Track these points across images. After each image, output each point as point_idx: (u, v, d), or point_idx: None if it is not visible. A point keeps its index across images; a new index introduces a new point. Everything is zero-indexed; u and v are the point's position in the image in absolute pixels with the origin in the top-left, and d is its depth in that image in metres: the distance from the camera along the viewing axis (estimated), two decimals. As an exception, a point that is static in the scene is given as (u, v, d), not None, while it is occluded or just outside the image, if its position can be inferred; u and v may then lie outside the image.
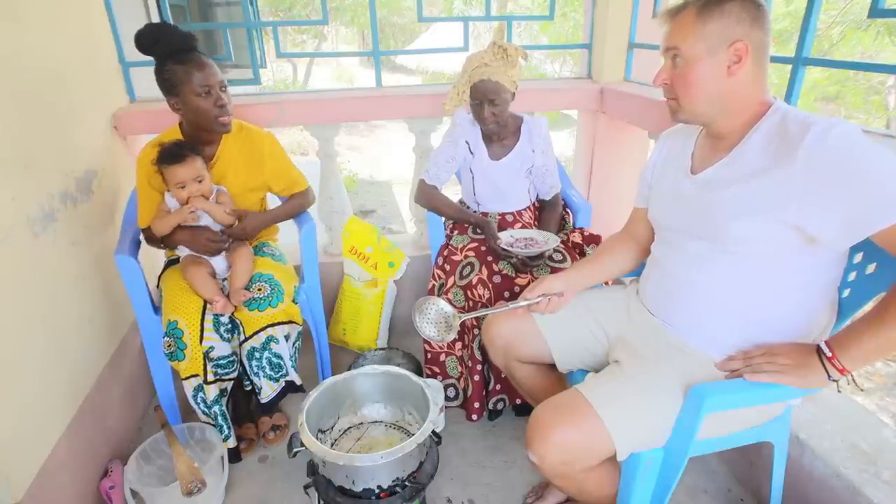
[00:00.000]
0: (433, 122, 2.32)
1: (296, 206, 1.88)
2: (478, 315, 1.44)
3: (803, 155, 0.96)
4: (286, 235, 2.07)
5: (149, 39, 1.55)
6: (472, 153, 1.89)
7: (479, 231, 1.85)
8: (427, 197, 1.93)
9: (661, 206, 1.27)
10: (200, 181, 1.62)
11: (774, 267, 1.07)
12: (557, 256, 1.75)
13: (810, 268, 1.07)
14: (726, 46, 1.02)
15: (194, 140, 1.70)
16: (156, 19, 4.28)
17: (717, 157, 1.13)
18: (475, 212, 1.97)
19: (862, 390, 1.15)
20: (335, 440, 1.56)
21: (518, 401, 1.82)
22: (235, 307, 1.62)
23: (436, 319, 1.39)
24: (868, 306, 1.12)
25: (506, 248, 1.68)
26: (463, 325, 1.74)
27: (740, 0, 1.02)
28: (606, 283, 1.58)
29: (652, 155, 1.36)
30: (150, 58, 1.58)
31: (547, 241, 1.73)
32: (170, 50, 1.56)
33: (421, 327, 1.38)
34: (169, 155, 1.59)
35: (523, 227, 1.90)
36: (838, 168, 0.94)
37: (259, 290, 1.64)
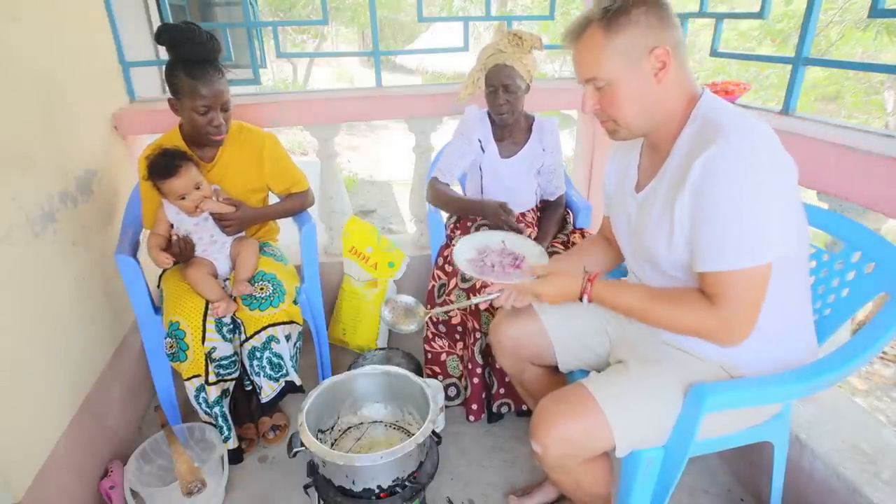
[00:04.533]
0: (433, 122, 2.32)
1: (293, 206, 1.87)
2: (442, 311, 1.45)
3: (689, 181, 0.98)
4: (286, 236, 2.07)
5: (166, 41, 1.55)
6: (482, 150, 1.88)
7: (480, 230, 1.84)
8: (438, 194, 1.90)
9: (616, 228, 1.28)
10: (199, 187, 1.61)
11: None
12: None
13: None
14: (647, 55, 1.00)
15: (194, 142, 1.70)
16: (156, 19, 4.27)
17: (655, 170, 1.11)
18: None
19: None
20: (335, 440, 1.56)
21: (524, 406, 1.81)
22: (237, 308, 1.62)
23: (395, 306, 1.43)
24: (868, 306, 1.12)
25: (465, 269, 1.36)
26: (465, 326, 1.74)
27: (645, 4, 0.99)
28: None
29: (606, 166, 1.36)
30: (154, 57, 1.58)
31: (537, 257, 1.42)
32: (185, 57, 1.55)
33: (382, 313, 1.42)
34: (162, 169, 1.57)
35: (526, 226, 1.87)
36: (704, 201, 0.97)
37: (262, 289, 1.64)
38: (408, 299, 1.45)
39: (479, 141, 1.87)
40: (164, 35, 1.54)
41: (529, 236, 1.85)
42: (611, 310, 1.17)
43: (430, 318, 1.79)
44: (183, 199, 1.59)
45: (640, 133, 1.11)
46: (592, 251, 1.44)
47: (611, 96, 1.04)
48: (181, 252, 1.61)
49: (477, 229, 1.85)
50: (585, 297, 1.15)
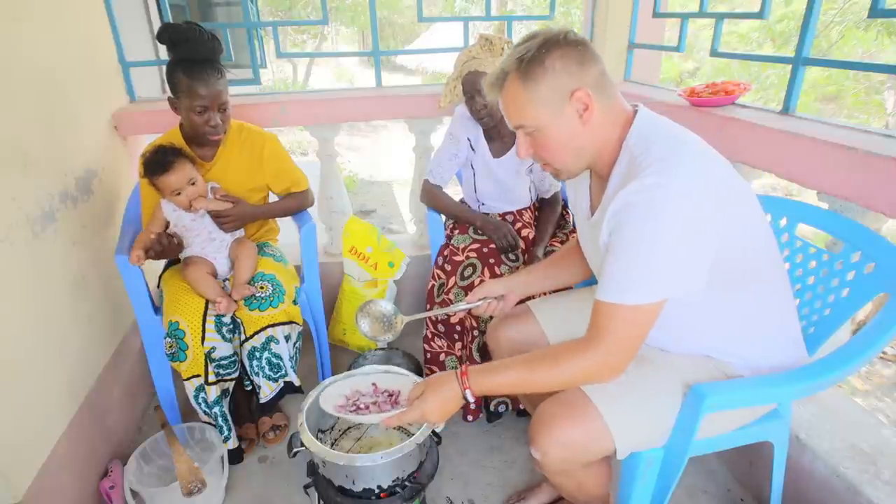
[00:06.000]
0: (433, 122, 2.32)
1: (292, 205, 1.87)
2: (420, 317, 1.43)
3: (609, 212, 0.98)
4: (286, 236, 2.07)
5: (167, 40, 1.56)
6: (473, 150, 1.89)
7: (480, 232, 1.85)
8: (431, 197, 1.93)
9: (583, 249, 1.29)
10: (194, 183, 1.61)
11: (679, 310, 1.04)
12: None
13: (715, 304, 1.05)
14: (568, 99, 0.99)
15: (194, 141, 1.70)
16: (156, 19, 4.28)
17: (601, 194, 1.11)
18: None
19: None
20: (335, 440, 1.56)
21: (522, 406, 1.81)
22: (237, 307, 1.62)
23: (374, 316, 1.39)
24: (868, 306, 1.12)
25: (339, 415, 1.27)
26: (462, 325, 1.74)
27: (559, 49, 0.97)
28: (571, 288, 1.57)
29: (566, 187, 1.36)
30: (154, 57, 1.58)
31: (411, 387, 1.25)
32: (186, 56, 1.56)
33: (359, 323, 1.36)
34: (156, 165, 1.58)
35: (523, 227, 1.89)
36: (614, 234, 0.98)
37: (262, 288, 1.65)
38: (386, 308, 1.40)
39: (469, 140, 1.88)
40: (165, 34, 1.55)
41: (528, 236, 1.86)
42: (497, 393, 1.10)
43: (430, 317, 1.80)
44: (178, 194, 1.59)
45: (582, 170, 1.11)
46: (569, 261, 1.43)
47: (542, 142, 1.04)
48: (164, 249, 1.59)
49: (476, 231, 1.86)
50: (468, 393, 1.09)
